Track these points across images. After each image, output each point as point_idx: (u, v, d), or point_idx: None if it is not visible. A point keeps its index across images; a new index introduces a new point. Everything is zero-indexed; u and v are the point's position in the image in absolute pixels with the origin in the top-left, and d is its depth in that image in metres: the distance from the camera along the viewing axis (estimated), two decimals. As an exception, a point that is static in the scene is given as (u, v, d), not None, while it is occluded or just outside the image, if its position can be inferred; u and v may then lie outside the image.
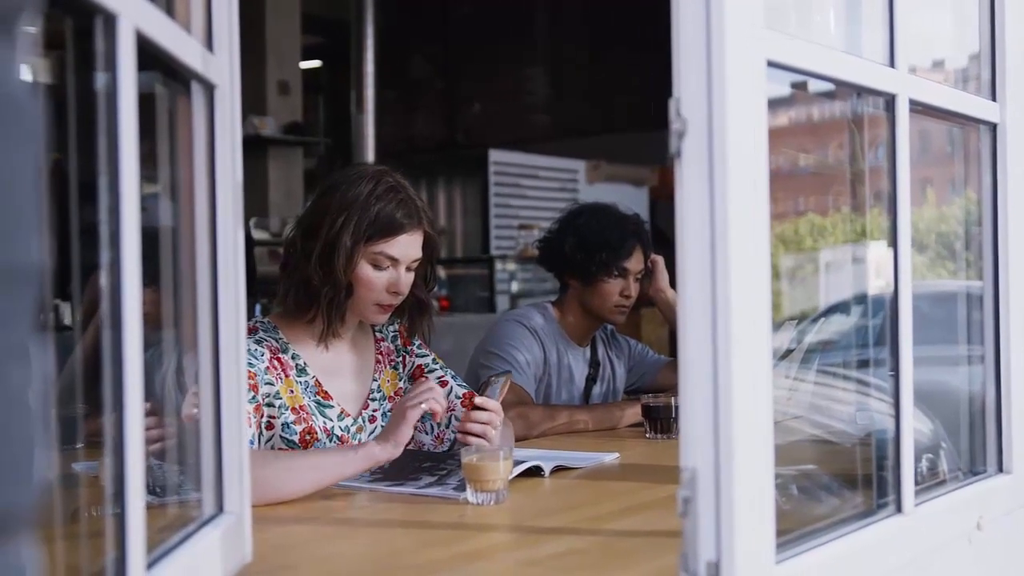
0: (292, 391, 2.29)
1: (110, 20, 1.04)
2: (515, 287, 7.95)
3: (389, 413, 2.42)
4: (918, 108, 1.66)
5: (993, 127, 1.91)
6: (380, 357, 2.49)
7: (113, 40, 1.04)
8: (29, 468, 0.62)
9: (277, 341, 2.31)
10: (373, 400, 2.44)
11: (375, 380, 2.46)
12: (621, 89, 9.65)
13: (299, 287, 2.31)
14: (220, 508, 1.44)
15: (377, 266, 2.29)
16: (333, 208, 2.28)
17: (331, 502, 2.02)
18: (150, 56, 1.16)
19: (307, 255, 2.29)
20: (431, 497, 2.02)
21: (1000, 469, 1.91)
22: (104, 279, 1.05)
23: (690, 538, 1.24)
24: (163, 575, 1.16)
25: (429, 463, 2.23)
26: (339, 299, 2.30)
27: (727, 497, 1.21)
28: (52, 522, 1.14)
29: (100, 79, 1.06)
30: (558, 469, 2.30)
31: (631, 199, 7.40)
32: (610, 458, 2.48)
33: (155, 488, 1.42)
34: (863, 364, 2.02)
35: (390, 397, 2.47)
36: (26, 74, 0.64)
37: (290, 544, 1.79)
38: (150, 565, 1.13)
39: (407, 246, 2.31)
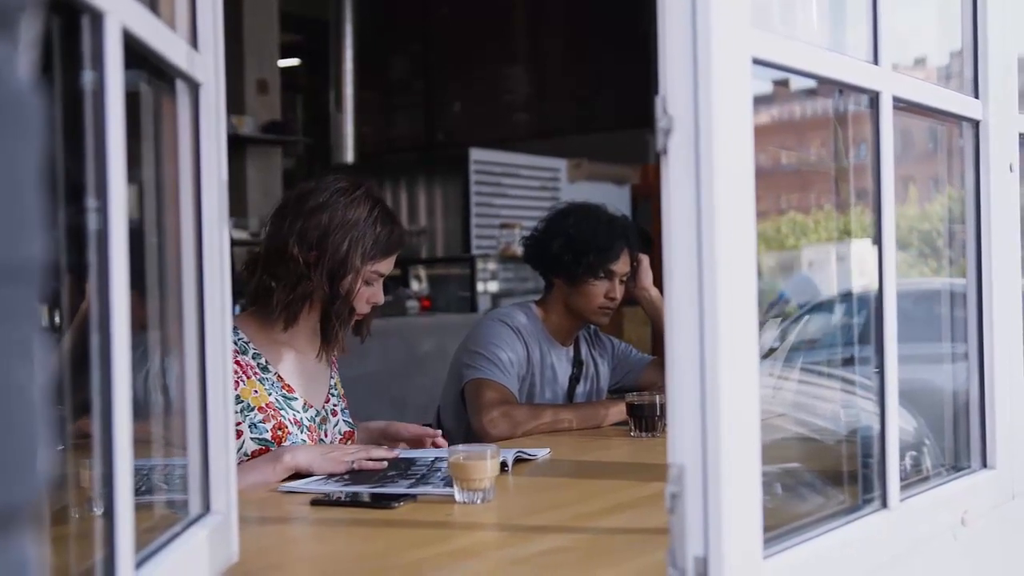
0: (256, 391, 2.37)
1: (97, 18, 1.03)
2: (496, 286, 7.94)
3: (345, 409, 2.59)
4: (901, 105, 1.66)
5: (976, 124, 1.92)
6: (333, 359, 2.61)
7: (100, 38, 1.04)
8: (33, 464, 0.62)
9: (236, 343, 2.34)
10: (333, 395, 2.57)
11: (332, 378, 2.59)
12: (602, 87, 9.69)
13: (301, 300, 2.39)
14: (207, 508, 1.43)
15: (367, 282, 2.43)
16: (335, 228, 2.37)
17: (317, 504, 2.02)
18: (135, 54, 1.16)
19: (306, 269, 2.36)
20: (426, 495, 2.01)
21: (984, 465, 1.92)
22: (91, 280, 1.05)
23: (678, 533, 1.24)
24: (151, 575, 1.16)
25: (394, 472, 2.22)
26: (346, 316, 2.42)
27: (715, 492, 1.22)
28: (40, 522, 1.14)
29: (87, 77, 1.05)
30: (519, 461, 2.36)
31: (613, 198, 7.41)
32: (542, 453, 2.50)
33: (139, 488, 1.41)
34: (847, 362, 2.02)
35: (342, 395, 2.61)
36: (27, 72, 0.64)
37: (277, 544, 1.79)
38: (138, 565, 1.13)
39: (393, 263, 2.49)
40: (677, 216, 1.23)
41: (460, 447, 2.04)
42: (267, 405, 2.35)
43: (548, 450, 2.53)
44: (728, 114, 1.24)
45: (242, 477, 2.08)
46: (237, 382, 2.30)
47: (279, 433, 2.34)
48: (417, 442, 2.54)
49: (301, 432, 2.38)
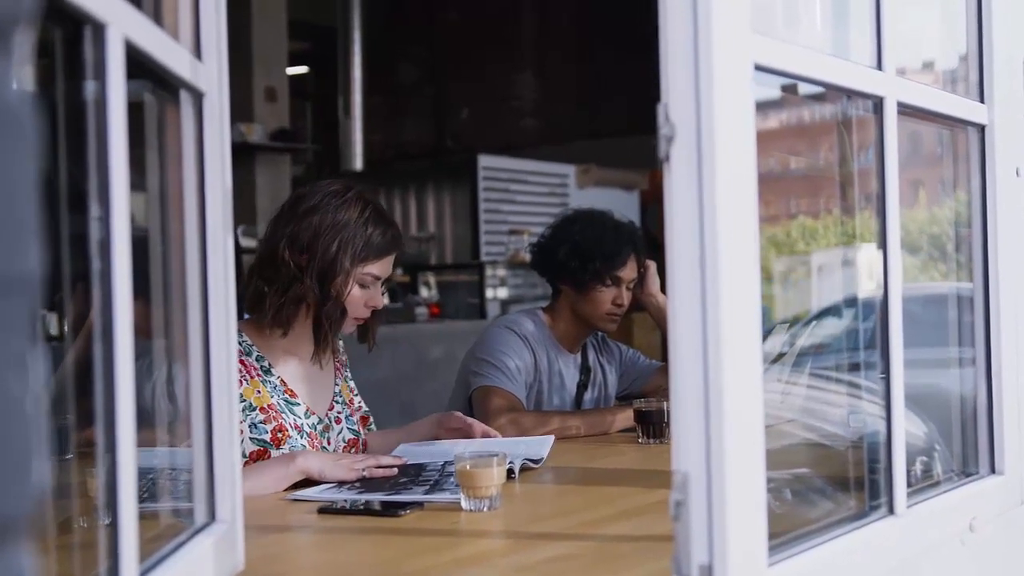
0: (259, 391, 2.38)
1: (99, 29, 1.04)
2: (506, 293, 7.94)
3: (351, 417, 2.58)
4: (906, 110, 1.66)
5: (981, 128, 1.91)
6: (338, 365, 2.62)
7: (102, 49, 1.04)
8: (28, 476, 0.63)
9: (240, 344, 2.35)
10: (337, 403, 2.56)
11: (336, 385, 2.58)
12: (610, 93, 9.67)
13: (293, 304, 2.39)
14: (212, 517, 1.44)
15: (362, 285, 2.43)
16: (324, 230, 2.37)
17: (324, 512, 2.02)
18: (138, 64, 1.16)
19: (298, 271, 2.37)
20: (434, 503, 2.01)
21: (992, 470, 1.91)
22: (94, 289, 1.05)
23: (682, 541, 1.23)
24: (156, 584, 1.16)
25: (405, 479, 2.22)
26: (337, 317, 2.41)
27: (719, 500, 1.21)
28: (45, 532, 1.14)
29: (89, 88, 1.05)
30: (525, 469, 2.35)
31: (621, 203, 7.40)
32: (547, 444, 2.53)
33: (143, 495, 1.42)
34: (855, 367, 2.02)
35: (348, 402, 2.60)
36: (23, 83, 0.64)
37: (282, 552, 1.79)
38: (143, 574, 1.13)
39: (390, 266, 2.48)
40: (680, 222, 1.23)
41: (467, 454, 2.04)
42: (269, 406, 2.36)
43: (552, 437, 2.58)
44: (730, 120, 1.24)
45: (253, 478, 2.08)
46: (240, 381, 2.31)
47: (279, 436, 2.35)
48: (466, 433, 2.59)
49: (301, 437, 2.38)
